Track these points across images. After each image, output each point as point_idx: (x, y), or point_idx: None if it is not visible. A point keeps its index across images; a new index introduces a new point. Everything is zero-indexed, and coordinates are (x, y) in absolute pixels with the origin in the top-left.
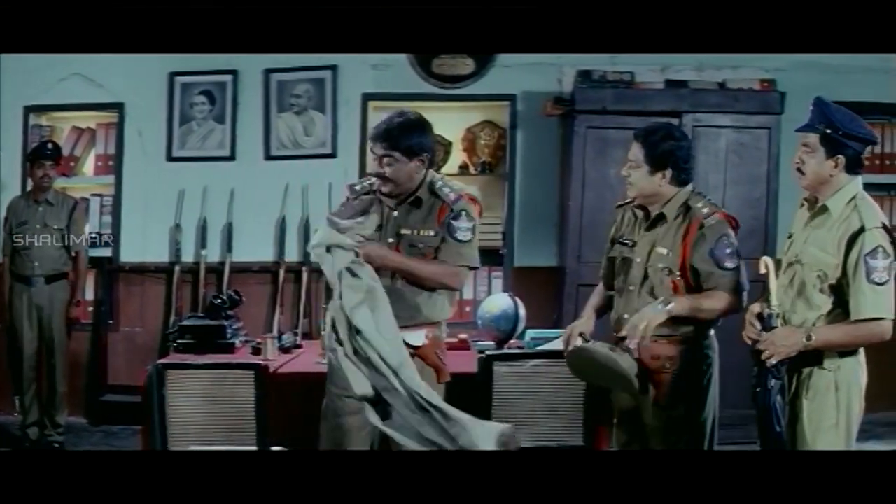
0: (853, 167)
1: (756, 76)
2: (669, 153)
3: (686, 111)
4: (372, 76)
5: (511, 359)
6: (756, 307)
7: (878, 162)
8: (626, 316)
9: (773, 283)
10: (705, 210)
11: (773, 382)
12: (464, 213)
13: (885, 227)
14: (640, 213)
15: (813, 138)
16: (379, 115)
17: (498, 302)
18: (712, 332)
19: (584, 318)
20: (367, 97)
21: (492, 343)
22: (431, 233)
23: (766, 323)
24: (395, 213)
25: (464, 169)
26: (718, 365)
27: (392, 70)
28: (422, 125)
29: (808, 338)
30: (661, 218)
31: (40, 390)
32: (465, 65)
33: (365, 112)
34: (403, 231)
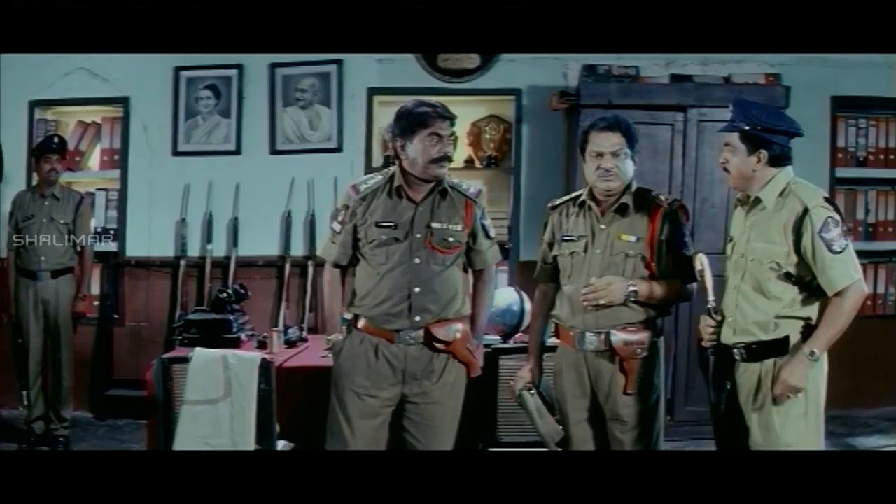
0: (779, 161)
1: (761, 70)
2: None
3: (691, 105)
4: (377, 70)
5: (517, 353)
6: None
7: (882, 157)
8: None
9: (709, 279)
10: (662, 197)
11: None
12: (485, 210)
13: (826, 199)
14: (591, 207)
15: (734, 137)
16: (385, 110)
17: (504, 296)
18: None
19: (530, 366)
20: (373, 91)
21: (498, 337)
22: (459, 227)
23: (711, 313)
24: (420, 208)
25: (469, 163)
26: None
27: (397, 64)
28: None
29: (812, 353)
30: (625, 208)
31: (46, 385)
32: (471, 59)
33: (370, 106)
34: (434, 225)
